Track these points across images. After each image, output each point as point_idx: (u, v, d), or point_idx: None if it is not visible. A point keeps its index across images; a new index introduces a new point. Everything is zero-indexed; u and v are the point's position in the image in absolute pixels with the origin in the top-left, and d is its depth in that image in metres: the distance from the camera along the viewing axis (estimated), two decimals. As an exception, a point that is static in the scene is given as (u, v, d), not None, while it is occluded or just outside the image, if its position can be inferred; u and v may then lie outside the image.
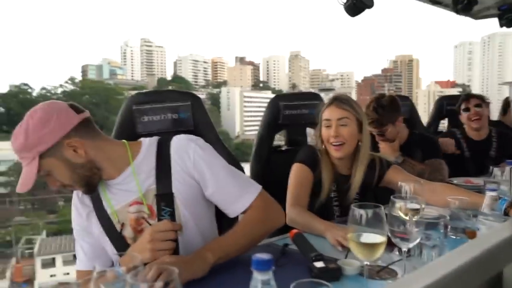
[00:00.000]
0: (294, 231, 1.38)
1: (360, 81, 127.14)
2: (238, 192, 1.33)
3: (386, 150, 2.40)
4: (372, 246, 1.02)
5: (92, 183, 1.29)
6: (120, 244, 1.33)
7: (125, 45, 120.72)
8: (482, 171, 2.60)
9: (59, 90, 69.08)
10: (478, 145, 2.95)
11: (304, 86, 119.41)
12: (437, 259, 0.81)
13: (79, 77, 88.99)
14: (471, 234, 1.37)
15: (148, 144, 1.38)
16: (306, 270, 1.19)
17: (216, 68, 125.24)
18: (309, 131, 2.32)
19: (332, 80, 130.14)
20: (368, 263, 1.04)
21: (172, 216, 1.31)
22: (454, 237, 1.39)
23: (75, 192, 1.39)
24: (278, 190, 1.62)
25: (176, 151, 1.35)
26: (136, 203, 1.32)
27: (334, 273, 1.15)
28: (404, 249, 1.09)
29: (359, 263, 1.17)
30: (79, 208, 1.38)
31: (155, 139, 1.40)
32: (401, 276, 1.16)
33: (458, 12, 2.93)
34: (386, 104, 2.37)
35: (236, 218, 1.40)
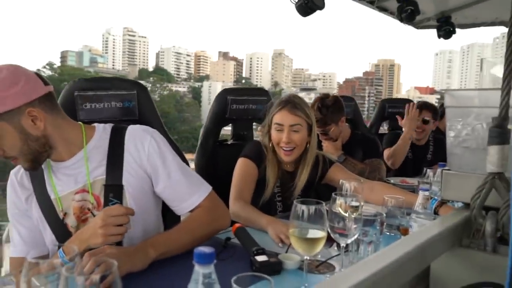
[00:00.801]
0: (237, 225, 1.39)
1: (341, 83, 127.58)
2: (188, 191, 1.33)
3: (329, 149, 2.48)
4: (312, 241, 1.05)
5: (39, 160, 1.23)
6: (61, 232, 1.27)
7: (107, 33, 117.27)
8: (419, 172, 2.76)
9: (37, 75, 67.59)
10: (417, 149, 3.13)
11: (286, 85, 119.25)
12: (373, 254, 0.85)
13: (58, 63, 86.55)
14: (404, 231, 1.45)
15: (102, 131, 1.33)
16: (248, 264, 1.20)
17: (199, 62, 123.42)
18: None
19: (314, 80, 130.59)
20: (308, 257, 1.07)
21: None
22: (389, 233, 1.47)
23: (13, 174, 1.33)
24: (222, 183, 1.63)
25: (130, 142, 1.32)
26: (82, 191, 1.28)
27: (275, 267, 1.17)
28: (343, 244, 1.13)
29: (299, 258, 1.20)
30: (18, 191, 1.31)
31: (109, 126, 1.36)
32: (339, 270, 1.20)
33: (402, 20, 3.07)
34: (330, 104, 2.44)
35: (179, 216, 1.40)
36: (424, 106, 3.14)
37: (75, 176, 1.28)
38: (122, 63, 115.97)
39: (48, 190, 1.29)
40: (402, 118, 3.04)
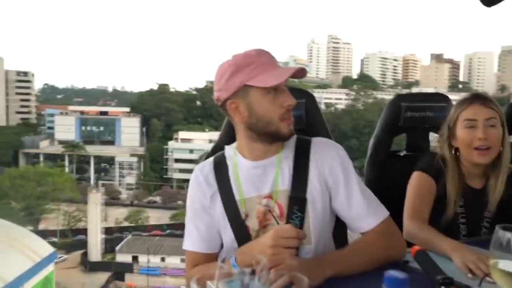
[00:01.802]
0: (417, 247, 1.28)
1: None
2: (365, 211, 1.33)
3: None
4: None
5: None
6: (241, 233, 1.34)
7: (312, 42, 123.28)
8: None
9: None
10: None
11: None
12: None
13: None
14: None
15: (289, 140, 1.38)
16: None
17: (407, 67, 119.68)
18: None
19: None
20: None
21: (301, 222, 1.32)
22: None
23: (198, 169, 1.43)
24: (394, 199, 1.54)
25: (315, 154, 1.36)
26: (268, 197, 1.33)
27: (465, 302, 1.02)
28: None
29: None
30: (204, 188, 1.39)
31: (293, 136, 1.40)
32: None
33: None
34: None
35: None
36: None
37: (262, 180, 1.35)
38: (326, 71, 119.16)
39: (234, 190, 1.36)
40: None
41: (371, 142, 2.16)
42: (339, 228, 1.46)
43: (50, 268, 11.51)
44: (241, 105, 1.30)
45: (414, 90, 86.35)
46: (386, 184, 1.80)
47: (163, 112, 68.75)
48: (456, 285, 1.08)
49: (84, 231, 36.55)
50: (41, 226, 38.01)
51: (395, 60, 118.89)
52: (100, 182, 50.18)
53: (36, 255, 10.82)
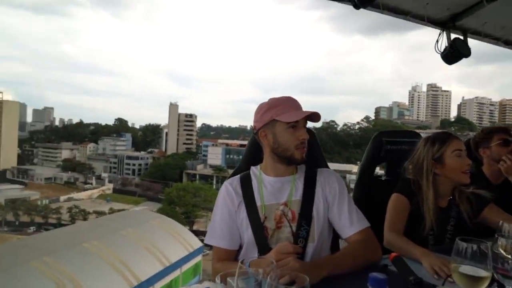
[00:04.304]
0: (394, 254, 1.27)
1: None
2: (350, 221, 1.37)
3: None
4: (476, 280, 0.92)
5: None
6: (259, 231, 1.36)
7: (413, 90, 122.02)
8: None
9: (357, 126, 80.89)
10: None
11: None
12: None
13: (372, 117, 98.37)
14: None
15: (299, 168, 1.48)
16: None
17: (504, 110, 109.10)
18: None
19: None
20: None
21: (307, 234, 1.36)
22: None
23: (228, 183, 1.46)
24: (376, 214, 1.57)
25: (321, 178, 1.45)
26: (284, 204, 1.39)
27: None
28: (508, 286, 0.91)
29: (458, 293, 1.02)
30: (233, 197, 1.42)
31: (302, 166, 1.49)
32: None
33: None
34: None
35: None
36: None
37: (281, 192, 1.40)
38: (425, 114, 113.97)
39: (256, 198, 1.40)
40: None
41: (359, 169, 2.15)
42: (333, 238, 1.48)
43: (199, 258, 12.52)
44: (269, 134, 1.38)
45: (513, 131, 74.77)
46: (370, 202, 1.77)
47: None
48: (425, 284, 1.07)
49: (223, 233, 38.29)
50: (194, 227, 40.74)
51: (492, 104, 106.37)
52: (237, 197, 52.35)
53: (190, 247, 11.88)
